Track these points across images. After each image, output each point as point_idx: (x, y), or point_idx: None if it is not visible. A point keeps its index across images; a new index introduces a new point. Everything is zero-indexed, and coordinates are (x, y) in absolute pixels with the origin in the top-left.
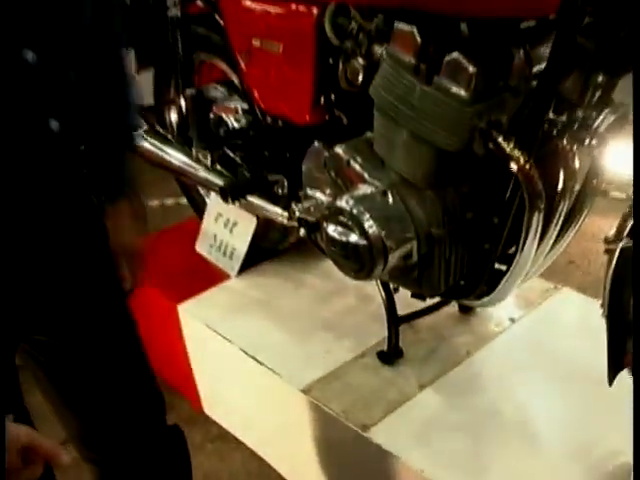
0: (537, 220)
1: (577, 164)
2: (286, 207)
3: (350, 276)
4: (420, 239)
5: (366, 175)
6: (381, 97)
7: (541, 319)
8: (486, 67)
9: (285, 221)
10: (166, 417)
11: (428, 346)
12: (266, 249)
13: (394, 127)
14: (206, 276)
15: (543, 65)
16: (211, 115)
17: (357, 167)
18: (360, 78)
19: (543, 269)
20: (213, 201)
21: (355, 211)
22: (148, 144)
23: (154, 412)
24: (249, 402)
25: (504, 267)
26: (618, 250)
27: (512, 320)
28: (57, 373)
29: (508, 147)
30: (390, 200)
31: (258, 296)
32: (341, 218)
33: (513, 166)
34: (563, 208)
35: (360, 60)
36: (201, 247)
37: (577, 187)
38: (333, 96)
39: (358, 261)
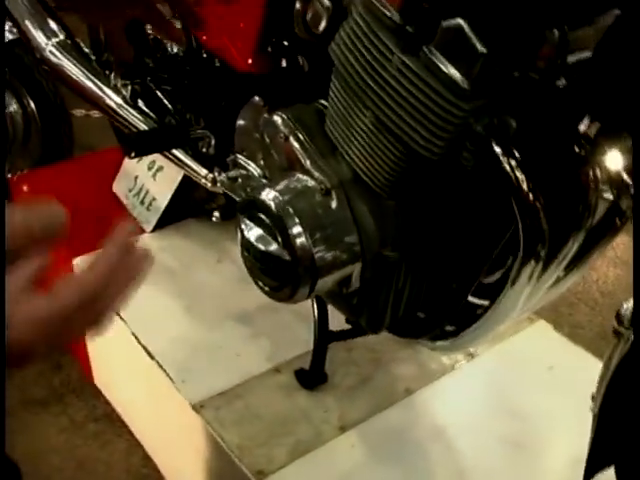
0: (531, 268)
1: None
2: (211, 169)
3: (265, 293)
4: (366, 260)
5: (307, 161)
6: (344, 60)
7: (504, 358)
8: (501, 46)
9: (209, 185)
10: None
11: (360, 373)
12: (191, 206)
13: (356, 105)
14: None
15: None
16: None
17: (297, 146)
18: (322, 25)
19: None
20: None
21: (281, 211)
22: (58, 57)
23: None
24: (138, 392)
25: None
26: (630, 340)
27: (470, 355)
28: None
29: (509, 165)
30: (333, 203)
31: (170, 263)
32: (261, 215)
33: (512, 192)
34: (570, 250)
35: (326, 2)
36: (118, 187)
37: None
38: (285, 42)
39: (276, 277)
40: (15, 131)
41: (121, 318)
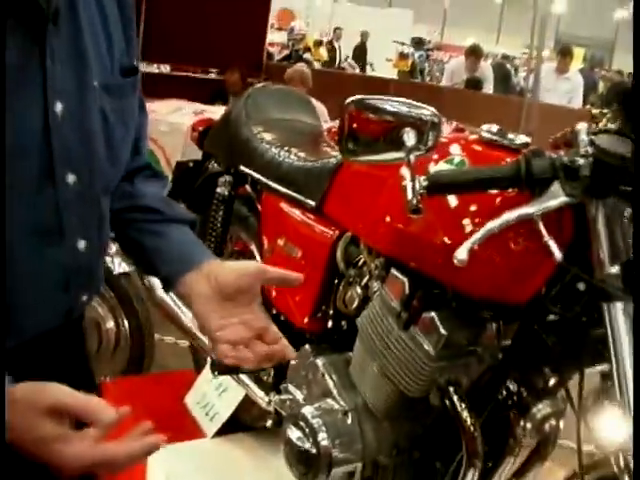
0: (472, 476)
1: (523, 433)
2: (267, 393)
3: (296, 476)
4: (366, 463)
5: (335, 392)
6: (364, 328)
7: None
8: (457, 333)
9: (264, 405)
10: None
11: None
12: (244, 423)
13: (369, 358)
14: (183, 428)
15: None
16: None
17: (329, 382)
18: (355, 305)
19: None
20: None
21: (314, 421)
22: (168, 297)
23: None
24: None
25: None
26: None
27: None
28: None
29: (460, 406)
30: (349, 421)
31: (221, 465)
32: (301, 423)
33: (460, 425)
34: (505, 468)
35: (358, 289)
36: (189, 400)
37: (525, 453)
38: (331, 312)
39: (305, 465)
40: (107, 343)
41: None
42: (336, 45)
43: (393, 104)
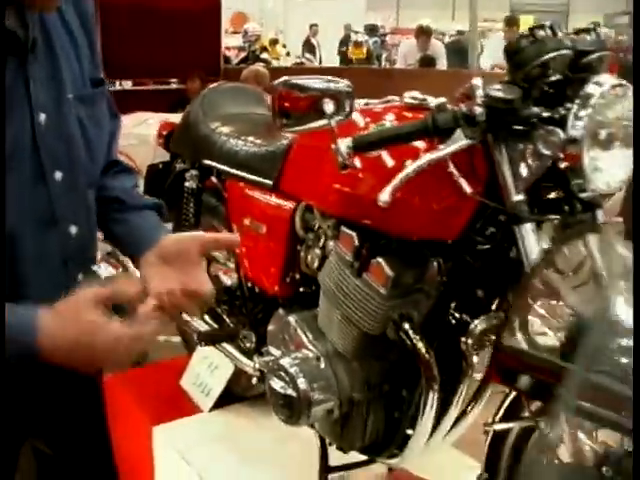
0: (432, 398)
1: (475, 358)
2: (252, 359)
3: (282, 420)
4: (342, 400)
5: (307, 342)
6: (325, 282)
7: None
8: (403, 273)
9: (251, 370)
10: None
11: None
12: (237, 394)
13: (332, 307)
14: (182, 407)
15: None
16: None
17: (302, 335)
18: (316, 265)
19: (454, 439)
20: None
21: (292, 370)
22: None
23: None
24: None
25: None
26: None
27: None
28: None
29: (414, 338)
30: (322, 365)
31: (223, 432)
32: (281, 373)
33: (417, 354)
34: (462, 392)
35: (317, 251)
36: (184, 381)
37: (478, 376)
38: (297, 276)
39: (289, 409)
40: None
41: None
42: (314, 41)
43: (314, 81)
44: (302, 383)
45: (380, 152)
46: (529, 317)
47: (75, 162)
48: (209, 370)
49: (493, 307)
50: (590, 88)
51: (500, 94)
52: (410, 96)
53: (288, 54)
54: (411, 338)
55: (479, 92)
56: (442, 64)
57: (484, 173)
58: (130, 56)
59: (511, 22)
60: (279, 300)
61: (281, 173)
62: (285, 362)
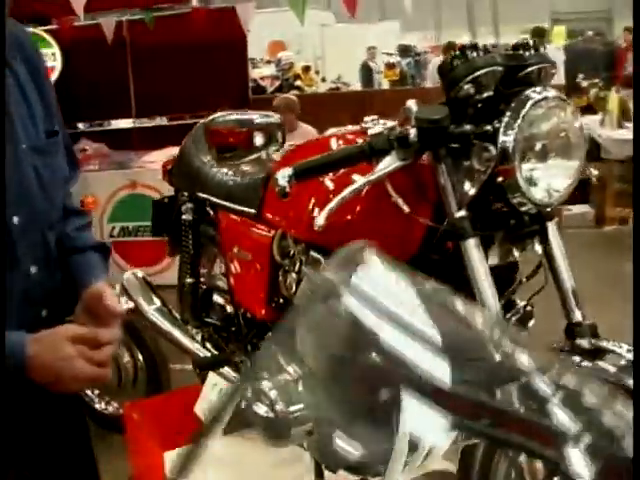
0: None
1: None
2: None
3: (266, 442)
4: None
5: (286, 365)
6: (299, 302)
7: None
8: None
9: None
10: None
11: None
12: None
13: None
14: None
15: None
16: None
17: (281, 358)
18: (293, 289)
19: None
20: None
21: (271, 394)
22: (158, 319)
23: None
24: None
25: None
26: None
27: None
28: None
29: None
30: (299, 387)
31: (231, 457)
32: (262, 397)
33: None
34: None
35: (293, 275)
36: (198, 408)
37: None
38: (281, 300)
39: (270, 430)
40: (126, 376)
41: None
42: (372, 65)
43: (243, 117)
44: (280, 405)
45: (324, 177)
46: None
47: (32, 207)
48: (219, 396)
49: None
50: (521, 101)
51: (426, 115)
52: (366, 120)
53: (323, 80)
54: None
55: (412, 113)
56: None
57: (433, 193)
58: (164, 93)
59: (540, 34)
60: (268, 324)
61: (263, 202)
62: (265, 386)
